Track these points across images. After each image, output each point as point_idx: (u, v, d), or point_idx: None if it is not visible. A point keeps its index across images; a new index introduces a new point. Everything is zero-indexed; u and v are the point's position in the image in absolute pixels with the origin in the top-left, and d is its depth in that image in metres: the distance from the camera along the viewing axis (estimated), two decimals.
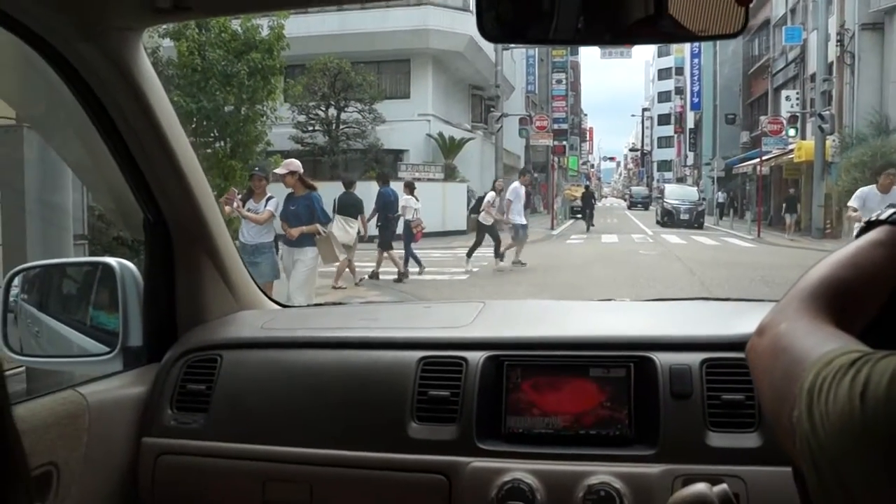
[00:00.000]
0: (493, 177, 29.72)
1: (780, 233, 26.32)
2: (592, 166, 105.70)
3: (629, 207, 59.63)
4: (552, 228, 30.95)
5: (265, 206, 8.39)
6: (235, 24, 15.64)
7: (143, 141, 1.67)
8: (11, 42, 1.44)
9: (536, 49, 39.07)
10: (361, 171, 22.09)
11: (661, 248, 21.18)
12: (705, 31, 1.19)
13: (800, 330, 0.77)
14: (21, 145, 5.02)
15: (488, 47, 25.51)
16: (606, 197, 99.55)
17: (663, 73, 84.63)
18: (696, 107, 57.64)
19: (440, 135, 27.01)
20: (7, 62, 1.67)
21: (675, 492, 0.97)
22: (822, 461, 0.62)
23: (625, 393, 1.53)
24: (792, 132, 28.70)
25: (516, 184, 15.64)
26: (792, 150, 27.87)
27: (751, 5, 1.12)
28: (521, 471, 1.46)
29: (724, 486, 1.20)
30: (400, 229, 13.84)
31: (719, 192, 40.15)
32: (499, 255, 15.01)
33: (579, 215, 37.57)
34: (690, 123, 62.92)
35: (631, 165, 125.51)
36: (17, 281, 1.92)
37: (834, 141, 24.36)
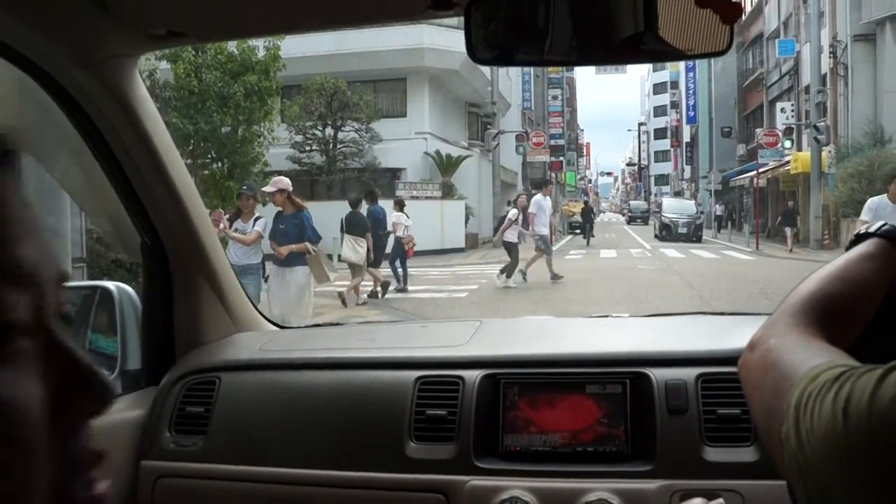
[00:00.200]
0: (491, 194, 29.90)
1: (778, 245, 26.32)
2: (590, 181, 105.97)
3: (628, 222, 58.68)
4: (551, 244, 30.90)
5: (253, 226, 8.22)
6: (231, 45, 15.74)
7: (140, 166, 1.69)
8: (6, 68, 1.45)
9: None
10: (360, 190, 22.12)
11: (659, 262, 21.17)
12: (693, 50, 1.21)
13: (789, 345, 0.78)
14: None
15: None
16: (604, 212, 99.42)
17: (658, 88, 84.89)
18: (691, 120, 57.82)
19: (437, 153, 27.07)
20: (2, 88, 1.68)
21: None
22: (809, 477, 0.62)
23: (621, 409, 1.53)
24: (788, 144, 28.77)
25: (539, 196, 15.40)
26: (788, 162, 27.92)
27: (741, 21, 1.13)
28: (519, 489, 1.46)
29: (720, 500, 1.21)
30: (390, 247, 13.86)
31: (717, 205, 40.19)
32: (505, 272, 14.67)
33: (578, 231, 37.52)
34: (687, 137, 63.07)
35: (628, 180, 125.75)
36: None
37: (830, 152, 24.44)
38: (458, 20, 1.18)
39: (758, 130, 32.81)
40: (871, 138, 23.53)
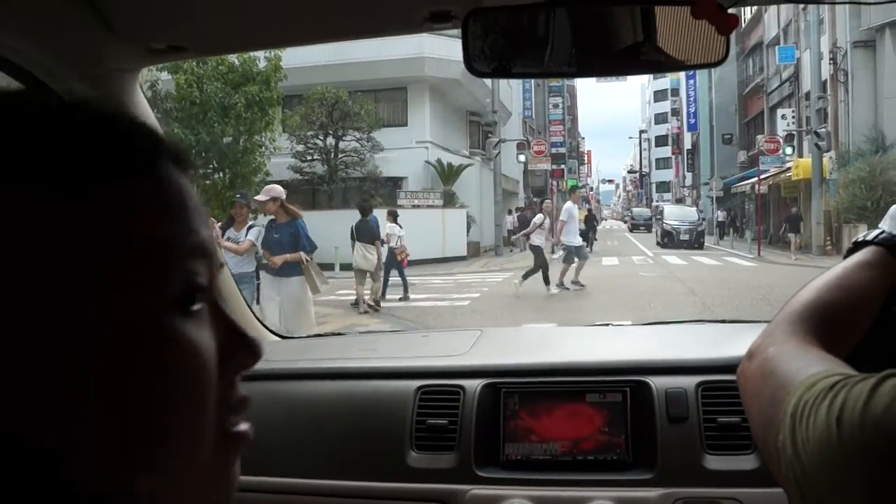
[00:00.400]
0: (493, 202, 29.90)
1: (780, 251, 26.29)
2: (591, 189, 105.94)
3: (631, 230, 57.16)
4: (552, 252, 30.88)
5: (246, 234, 8.07)
6: (233, 56, 15.79)
7: None
8: (7, 82, 1.46)
9: None
10: (364, 199, 22.16)
11: (661, 269, 21.15)
12: (690, 60, 1.22)
13: (787, 353, 0.78)
14: None
15: None
16: (606, 219, 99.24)
17: (659, 95, 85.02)
18: (692, 128, 57.87)
19: (438, 161, 27.10)
20: None
21: None
22: (805, 486, 0.62)
23: (621, 417, 1.53)
24: (789, 150, 28.77)
25: (570, 203, 14.99)
26: (789, 169, 27.95)
27: (740, 29, 1.14)
28: (520, 497, 1.46)
29: None
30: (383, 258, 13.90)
31: (719, 212, 40.17)
32: (525, 277, 14.35)
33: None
34: (688, 144, 63.14)
35: (630, 187, 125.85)
36: None
37: (831, 158, 24.45)
38: (458, 30, 1.19)
39: (759, 137, 32.85)
40: (873, 144, 23.54)
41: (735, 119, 44.90)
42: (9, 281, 0.39)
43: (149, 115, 1.68)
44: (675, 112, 71.75)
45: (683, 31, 1.15)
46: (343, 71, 24.10)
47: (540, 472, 1.51)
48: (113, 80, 1.55)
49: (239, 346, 0.50)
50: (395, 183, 26.51)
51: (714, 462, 1.45)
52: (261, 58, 16.50)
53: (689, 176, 64.59)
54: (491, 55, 1.20)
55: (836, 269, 0.91)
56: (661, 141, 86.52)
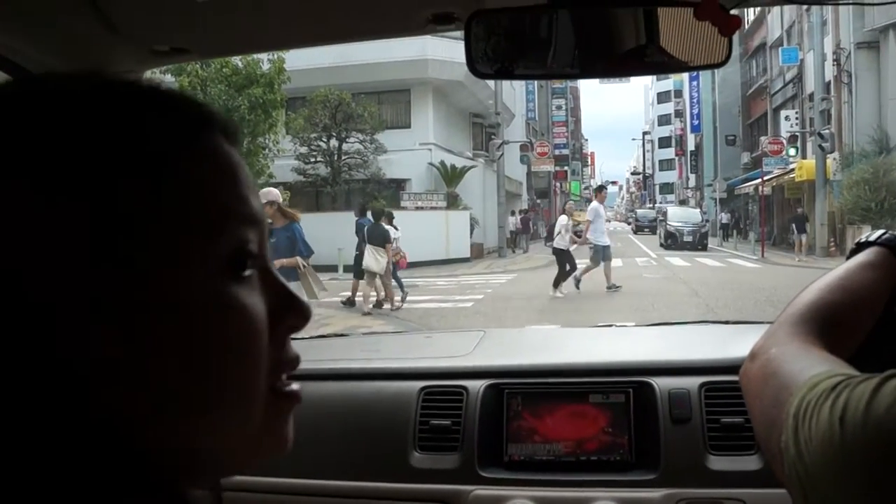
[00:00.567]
0: (496, 204, 29.90)
1: (784, 253, 26.22)
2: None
3: (635, 232, 55.54)
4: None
5: None
6: (236, 59, 15.81)
7: None
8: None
9: None
10: (365, 201, 22.17)
11: (665, 270, 21.12)
12: (692, 62, 1.22)
13: (789, 354, 0.78)
14: None
15: None
16: (609, 221, 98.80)
17: (662, 97, 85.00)
18: (696, 129, 57.79)
19: (442, 163, 27.09)
20: None
21: None
22: (808, 486, 0.62)
23: (625, 418, 1.53)
24: (792, 152, 28.74)
25: (595, 203, 14.81)
26: (793, 170, 27.91)
27: (743, 31, 1.15)
28: (523, 498, 1.46)
29: None
30: None
31: (723, 213, 40.11)
32: (559, 283, 14.10)
33: None
34: (691, 146, 63.05)
35: (633, 189, 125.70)
36: None
37: (835, 159, 24.40)
38: (461, 32, 1.19)
39: (762, 138, 32.80)
40: (877, 145, 23.49)
41: (738, 120, 44.85)
42: (88, 241, 0.41)
43: None
44: (679, 113, 71.71)
45: (686, 32, 1.15)
46: (346, 73, 24.12)
47: (543, 473, 1.51)
48: None
49: (289, 310, 0.52)
50: (399, 185, 26.52)
51: (717, 463, 1.45)
52: (264, 60, 16.52)
53: (692, 177, 64.47)
54: (494, 57, 1.20)
55: (838, 270, 0.91)
56: (664, 142, 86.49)
